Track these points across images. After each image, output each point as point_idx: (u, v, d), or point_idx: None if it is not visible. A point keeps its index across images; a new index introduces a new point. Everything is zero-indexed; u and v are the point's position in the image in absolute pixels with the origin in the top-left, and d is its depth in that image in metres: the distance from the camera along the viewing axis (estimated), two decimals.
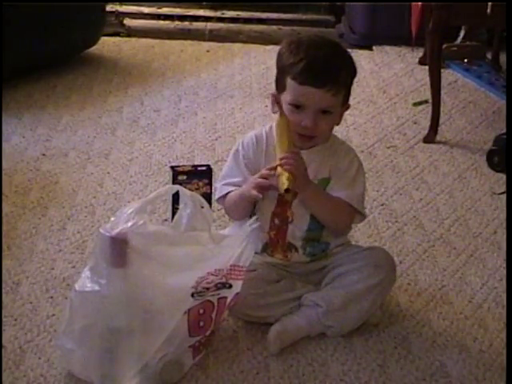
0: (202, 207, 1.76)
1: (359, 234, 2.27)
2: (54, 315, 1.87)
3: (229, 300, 1.72)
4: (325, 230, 1.87)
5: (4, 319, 1.85)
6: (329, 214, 1.85)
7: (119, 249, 1.59)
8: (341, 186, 1.83)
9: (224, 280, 1.69)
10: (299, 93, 1.78)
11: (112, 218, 1.67)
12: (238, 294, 1.73)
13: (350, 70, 1.83)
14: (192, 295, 1.65)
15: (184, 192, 1.76)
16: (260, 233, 1.80)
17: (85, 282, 1.64)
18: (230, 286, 1.70)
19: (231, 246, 1.72)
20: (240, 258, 1.71)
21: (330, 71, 1.77)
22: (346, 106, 1.86)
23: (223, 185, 1.88)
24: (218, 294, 1.69)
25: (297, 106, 1.79)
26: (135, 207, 1.67)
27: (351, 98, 2.89)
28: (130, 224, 1.62)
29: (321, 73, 1.76)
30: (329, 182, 1.85)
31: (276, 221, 1.86)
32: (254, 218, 1.80)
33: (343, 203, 1.83)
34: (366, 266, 1.83)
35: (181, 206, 1.77)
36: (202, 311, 1.67)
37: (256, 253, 1.86)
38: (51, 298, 1.94)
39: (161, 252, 1.64)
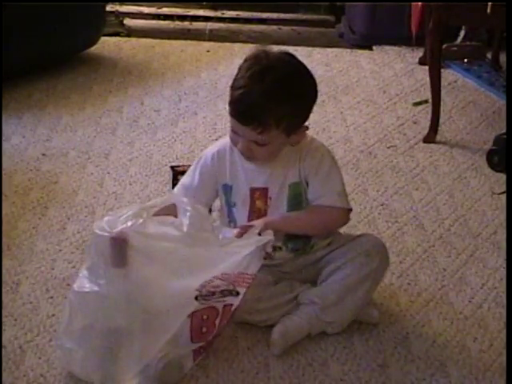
0: (203, 212, 1.74)
1: None
2: (53, 315, 1.87)
3: (234, 307, 1.71)
4: None
5: (4, 319, 1.85)
6: (315, 226, 1.85)
7: (119, 249, 1.59)
8: (318, 188, 1.82)
9: (231, 287, 1.67)
10: (231, 121, 1.78)
11: (106, 218, 1.66)
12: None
13: (293, 105, 1.73)
14: (196, 298, 1.63)
15: (180, 200, 1.73)
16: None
17: (83, 282, 1.64)
18: (237, 294, 1.68)
19: (239, 252, 1.69)
20: (248, 265, 1.69)
21: (257, 111, 1.70)
22: (298, 132, 1.79)
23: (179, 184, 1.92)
24: (224, 301, 1.68)
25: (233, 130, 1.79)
26: (132, 212, 1.65)
27: (351, 98, 2.89)
28: (129, 224, 1.61)
29: (245, 112, 1.72)
30: (299, 185, 1.83)
31: None
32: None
33: (325, 209, 1.82)
34: (357, 257, 1.83)
35: (181, 212, 1.72)
36: (205, 317, 1.67)
37: None
38: (51, 297, 1.94)
39: (163, 252, 1.63)
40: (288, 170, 1.83)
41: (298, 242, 1.88)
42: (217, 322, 1.69)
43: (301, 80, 1.76)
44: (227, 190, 1.87)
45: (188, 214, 1.70)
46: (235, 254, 1.68)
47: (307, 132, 1.85)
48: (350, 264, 1.83)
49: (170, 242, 1.65)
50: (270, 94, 1.70)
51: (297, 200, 1.84)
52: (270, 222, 1.80)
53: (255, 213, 1.84)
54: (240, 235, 1.73)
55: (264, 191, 1.83)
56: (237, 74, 1.76)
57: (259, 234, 1.74)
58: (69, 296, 1.68)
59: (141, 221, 1.63)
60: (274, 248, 1.86)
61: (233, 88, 1.75)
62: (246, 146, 1.77)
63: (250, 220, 1.84)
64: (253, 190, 1.84)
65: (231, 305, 1.70)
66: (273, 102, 1.70)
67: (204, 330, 1.68)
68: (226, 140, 1.87)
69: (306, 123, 1.81)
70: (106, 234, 1.60)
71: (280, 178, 1.83)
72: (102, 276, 1.61)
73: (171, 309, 1.62)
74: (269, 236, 1.73)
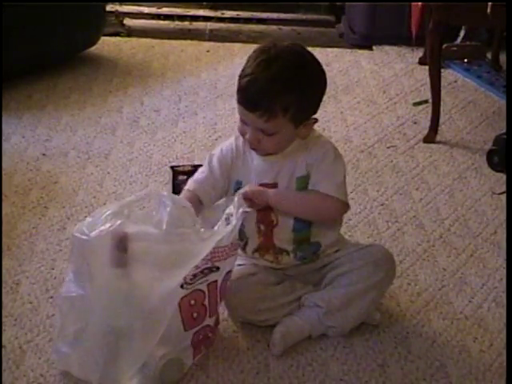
0: (184, 207, 1.72)
1: (359, 234, 2.28)
2: (53, 315, 1.87)
3: (220, 282, 1.71)
4: (312, 228, 1.85)
5: (4, 319, 1.85)
6: (307, 209, 1.83)
7: (122, 249, 1.59)
8: (319, 178, 1.81)
9: (210, 264, 1.67)
10: (238, 109, 1.77)
11: (87, 220, 1.65)
12: (229, 272, 1.73)
13: (300, 93, 1.72)
14: (181, 286, 1.63)
15: (160, 195, 1.71)
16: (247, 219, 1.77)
17: (69, 286, 1.64)
18: (217, 269, 1.68)
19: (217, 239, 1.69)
20: (222, 239, 1.68)
21: (263, 97, 1.70)
22: (307, 124, 1.78)
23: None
24: (207, 281, 1.68)
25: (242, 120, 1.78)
26: (111, 210, 1.64)
27: (351, 98, 2.88)
28: (108, 225, 1.60)
29: (252, 98, 1.71)
30: (307, 179, 1.82)
31: (261, 226, 1.84)
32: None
33: (321, 195, 1.80)
34: (365, 266, 1.82)
35: (161, 208, 1.69)
36: (192, 302, 1.66)
37: (248, 256, 1.87)
38: (51, 297, 1.94)
39: (146, 251, 1.61)
40: (296, 164, 1.82)
41: (308, 250, 1.87)
42: (206, 303, 1.69)
43: (308, 69, 1.76)
44: (239, 186, 1.85)
45: (168, 209, 1.67)
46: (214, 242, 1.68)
47: (316, 129, 1.85)
48: (358, 272, 1.82)
49: (150, 241, 1.63)
50: (276, 80, 1.70)
51: None
52: (263, 191, 1.79)
53: (264, 209, 1.83)
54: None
55: (274, 187, 1.83)
56: (245, 64, 1.76)
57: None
58: (57, 302, 1.67)
59: (119, 222, 1.61)
60: (281, 252, 1.87)
61: (240, 76, 1.75)
62: (253, 136, 1.76)
63: (259, 217, 1.83)
64: (262, 186, 1.83)
65: (215, 281, 1.70)
66: (279, 88, 1.70)
67: (195, 315, 1.68)
68: (239, 137, 1.85)
69: (316, 116, 1.80)
70: (84, 237, 1.59)
71: (289, 172, 1.82)
72: (87, 279, 1.60)
73: (160, 304, 1.60)
74: (245, 209, 1.72)
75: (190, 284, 1.65)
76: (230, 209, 1.73)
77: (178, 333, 1.66)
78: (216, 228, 1.71)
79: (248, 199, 1.76)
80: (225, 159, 1.86)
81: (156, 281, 1.61)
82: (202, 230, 1.70)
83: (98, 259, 1.60)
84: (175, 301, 1.63)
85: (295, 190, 1.83)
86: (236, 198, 1.74)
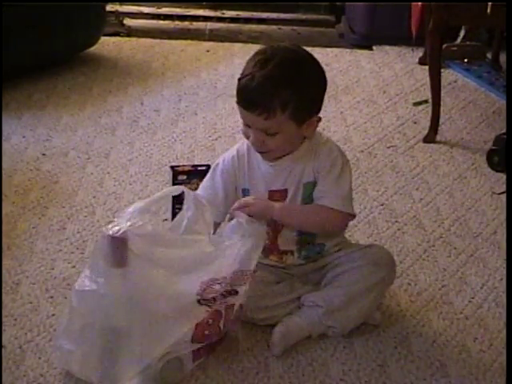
0: (204, 211, 1.74)
1: (359, 234, 2.27)
2: (53, 315, 1.87)
3: (236, 307, 1.71)
4: (318, 234, 1.86)
5: (4, 319, 1.85)
6: (312, 224, 1.83)
7: (118, 248, 1.59)
8: (325, 188, 1.80)
9: (229, 287, 1.67)
10: (239, 110, 1.77)
11: (115, 218, 1.66)
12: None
13: (296, 89, 1.71)
14: (199, 302, 1.63)
15: (188, 194, 1.73)
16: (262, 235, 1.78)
17: (84, 281, 1.64)
18: (236, 293, 1.69)
19: (231, 248, 1.69)
20: (243, 262, 1.69)
21: (260, 95, 1.70)
22: (310, 122, 1.77)
23: None
24: (226, 302, 1.68)
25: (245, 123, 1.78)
26: (138, 207, 1.66)
27: (351, 98, 2.88)
28: (128, 224, 1.61)
29: (250, 97, 1.72)
30: (315, 185, 1.82)
31: (269, 231, 1.84)
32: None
33: (326, 210, 1.80)
34: (365, 266, 1.82)
35: (184, 207, 1.74)
36: (210, 321, 1.67)
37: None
38: (51, 297, 1.94)
39: (160, 254, 1.63)
40: (304, 170, 1.82)
41: (313, 250, 1.88)
42: (221, 324, 1.70)
43: (305, 65, 1.76)
44: (246, 194, 1.85)
45: (190, 213, 1.70)
46: (227, 250, 1.69)
47: (322, 133, 1.85)
48: (358, 271, 1.82)
49: (167, 244, 1.64)
50: (272, 77, 1.70)
51: (311, 199, 1.83)
52: (267, 208, 1.79)
53: None
54: (236, 209, 1.76)
55: (284, 193, 1.83)
56: (244, 67, 1.77)
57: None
58: (70, 295, 1.68)
59: (140, 222, 1.62)
60: (286, 253, 1.87)
61: (239, 79, 1.76)
62: (256, 137, 1.76)
63: (269, 222, 1.82)
64: (271, 193, 1.83)
65: (233, 305, 1.70)
66: (276, 85, 1.70)
67: (207, 332, 1.68)
68: (243, 144, 1.85)
69: (319, 115, 1.80)
70: (106, 232, 1.60)
71: (297, 177, 1.82)
72: (102, 275, 1.61)
73: (174, 313, 1.61)
74: (261, 230, 1.72)
75: (209, 306, 1.65)
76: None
77: (183, 342, 1.66)
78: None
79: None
80: (227, 172, 1.85)
81: (169, 286, 1.62)
82: (215, 236, 1.72)
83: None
84: (191, 316, 1.63)
85: (300, 204, 1.83)
86: (249, 228, 1.72)
